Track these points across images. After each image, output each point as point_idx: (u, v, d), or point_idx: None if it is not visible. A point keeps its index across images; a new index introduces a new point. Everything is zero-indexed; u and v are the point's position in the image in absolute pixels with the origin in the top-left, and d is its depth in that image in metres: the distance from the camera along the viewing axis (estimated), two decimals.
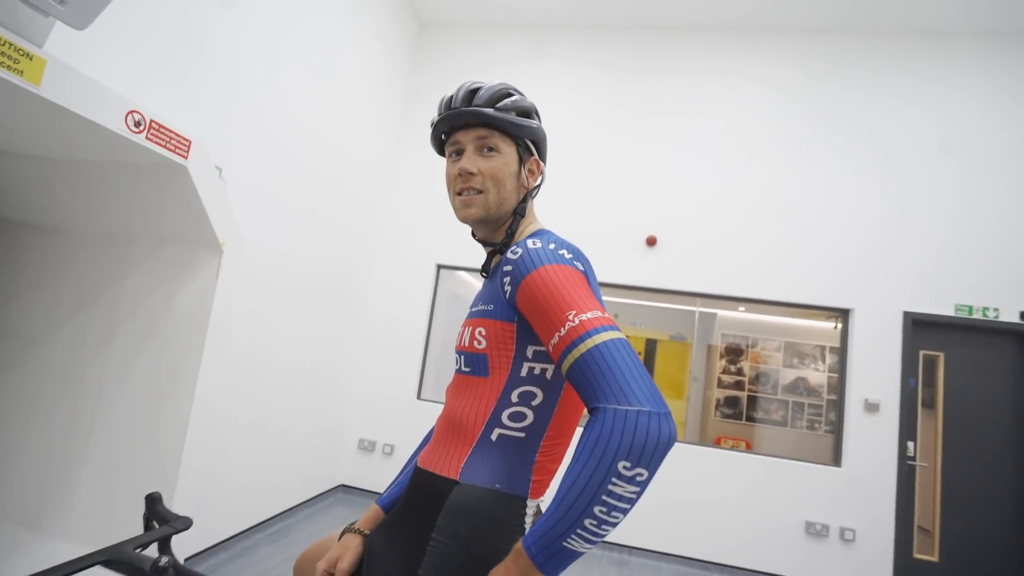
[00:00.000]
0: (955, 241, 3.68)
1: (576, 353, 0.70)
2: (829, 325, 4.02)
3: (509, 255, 0.85)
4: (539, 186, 1.03)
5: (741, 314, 4.43)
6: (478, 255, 4.27)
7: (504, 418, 0.86)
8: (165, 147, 1.82)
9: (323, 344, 3.55)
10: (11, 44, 1.34)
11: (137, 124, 1.70)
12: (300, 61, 2.93)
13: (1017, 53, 3.70)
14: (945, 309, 3.64)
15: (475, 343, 0.90)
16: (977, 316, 3.60)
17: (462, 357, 0.94)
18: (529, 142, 0.99)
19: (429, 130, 1.04)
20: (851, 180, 3.86)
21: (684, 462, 3.71)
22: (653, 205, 4.04)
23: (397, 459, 4.03)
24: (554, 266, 0.79)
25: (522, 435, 0.86)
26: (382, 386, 4.14)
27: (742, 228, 3.93)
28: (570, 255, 0.84)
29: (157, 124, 1.77)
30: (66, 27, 1.38)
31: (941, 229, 3.70)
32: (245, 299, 2.61)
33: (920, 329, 3.73)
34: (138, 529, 1.93)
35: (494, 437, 0.86)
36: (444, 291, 4.37)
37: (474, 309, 0.95)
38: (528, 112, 0.98)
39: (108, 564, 0.80)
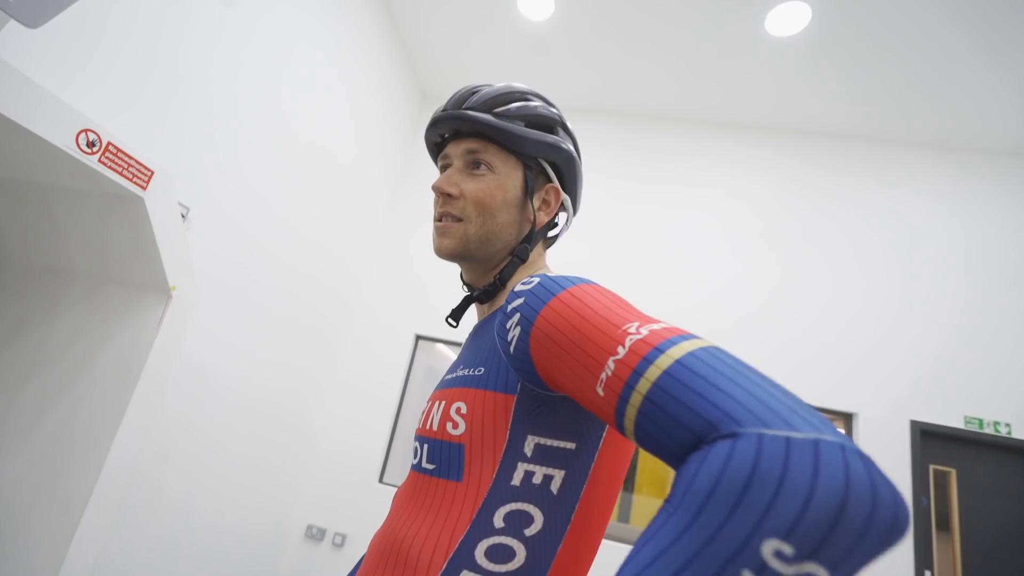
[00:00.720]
0: (962, 350, 3.54)
1: (656, 371, 0.39)
2: None
3: (511, 296, 0.58)
4: (558, 227, 0.77)
5: None
6: (461, 330, 3.99)
7: (479, 555, 0.54)
8: (121, 174, 1.62)
9: (278, 408, 3.18)
10: None
11: (91, 144, 1.51)
12: (291, 113, 2.84)
13: None
14: (955, 421, 3.43)
15: (447, 426, 0.60)
16: (988, 431, 3.38)
17: (425, 446, 0.64)
18: (546, 164, 0.73)
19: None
20: (860, 279, 3.78)
21: None
22: (653, 289, 3.89)
23: (347, 553, 3.52)
24: (583, 286, 0.53)
25: None
26: (341, 464, 3.71)
27: (747, 316, 3.77)
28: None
29: (115, 147, 1.58)
30: (17, 25, 1.21)
31: (947, 336, 3.58)
32: (192, 354, 2.30)
33: (929, 441, 3.48)
34: None
35: None
36: (421, 364, 4.07)
37: (450, 376, 0.67)
38: (546, 124, 0.72)
39: None
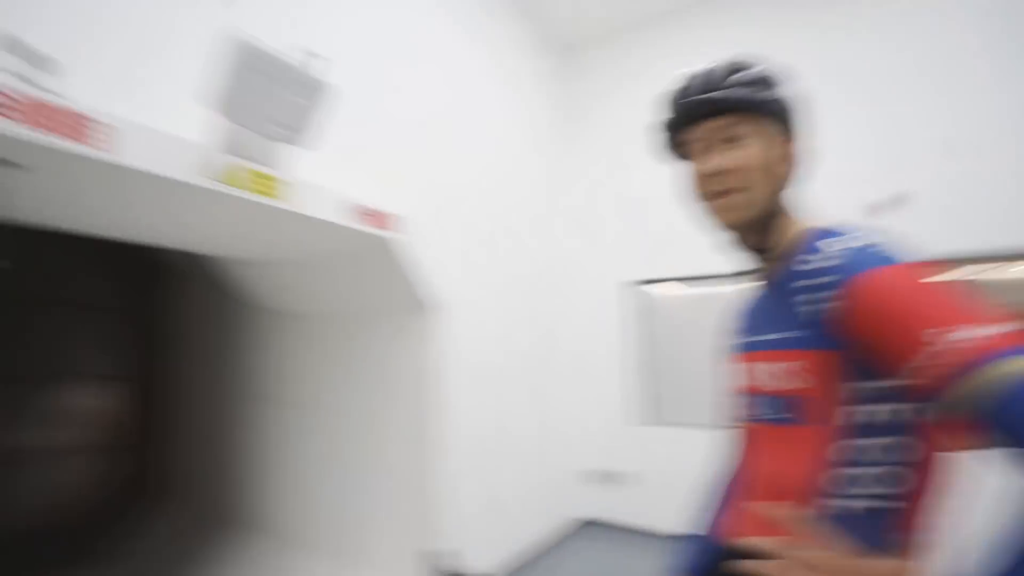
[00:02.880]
0: None
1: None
2: None
3: (812, 260, 0.69)
4: (801, 169, 0.82)
5: None
6: (667, 268, 3.96)
7: (842, 483, 0.67)
8: (371, 224, 2.11)
9: (534, 376, 3.65)
10: (258, 173, 1.71)
11: (352, 212, 2.01)
12: (456, 110, 3.13)
13: None
14: None
15: (782, 381, 0.73)
16: None
17: (758, 401, 0.78)
18: (779, 118, 0.79)
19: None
20: None
21: None
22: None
23: (643, 487, 3.87)
24: (900, 266, 0.63)
25: (877, 505, 0.67)
26: (603, 410, 4.08)
27: None
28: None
29: (364, 209, 2.06)
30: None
31: None
32: (460, 351, 2.81)
33: None
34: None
35: (835, 511, 0.67)
36: (632, 308, 4.19)
37: (759, 339, 0.79)
38: (766, 81, 0.78)
39: None
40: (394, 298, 2.44)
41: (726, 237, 0.84)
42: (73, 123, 1.32)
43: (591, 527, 4.00)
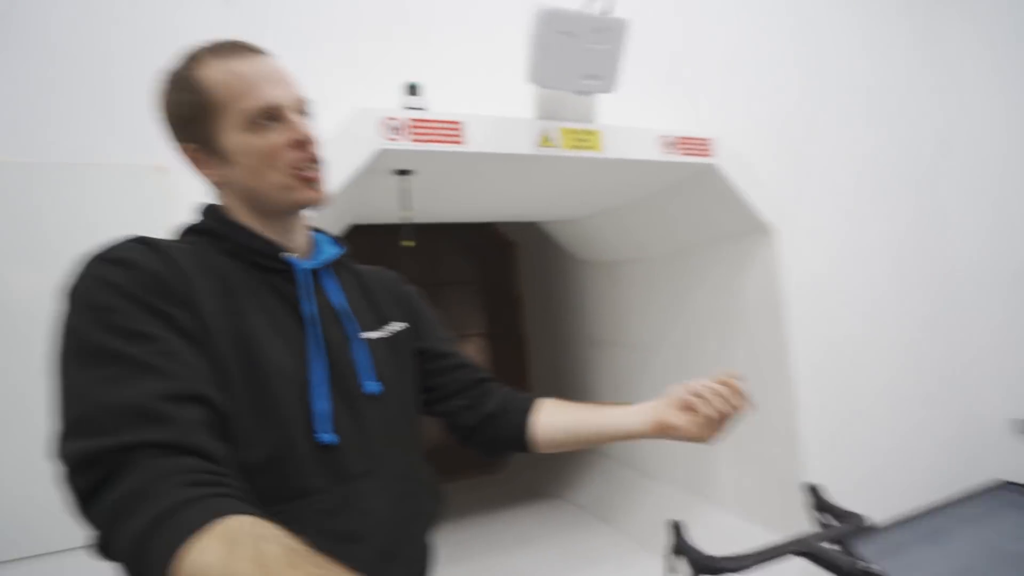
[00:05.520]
0: None
1: None
2: None
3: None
4: None
5: None
6: None
7: None
8: (691, 154, 1.95)
9: (923, 306, 2.87)
10: (579, 130, 1.76)
11: (667, 145, 1.90)
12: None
13: None
14: None
15: None
16: None
17: None
18: None
19: None
20: None
21: None
22: None
23: None
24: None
25: None
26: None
27: None
28: None
29: (680, 138, 1.92)
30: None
31: None
32: (815, 279, 2.40)
33: None
34: (789, 514, 1.99)
35: None
36: None
37: None
38: None
39: (803, 555, 0.77)
40: (725, 225, 2.24)
41: None
42: (438, 129, 1.59)
43: (1007, 489, 3.01)
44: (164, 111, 0.67)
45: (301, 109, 0.68)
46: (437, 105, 1.66)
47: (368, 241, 2.64)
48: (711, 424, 0.70)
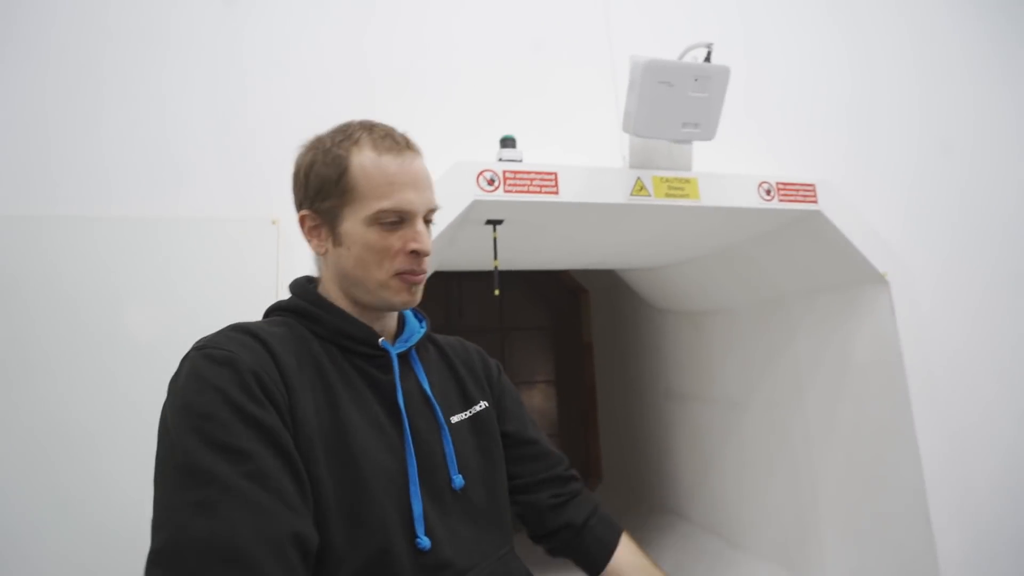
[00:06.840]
0: None
1: None
2: None
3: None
4: None
5: None
6: None
7: None
8: (793, 200, 1.84)
9: None
10: (672, 179, 1.71)
11: (767, 192, 1.81)
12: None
13: None
14: None
15: None
16: None
17: None
18: None
19: None
20: None
21: None
22: None
23: None
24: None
25: None
26: None
27: None
28: None
29: (781, 184, 1.83)
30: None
31: None
32: (938, 331, 2.17)
33: None
34: None
35: None
36: None
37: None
38: None
39: None
40: (829, 275, 2.09)
41: None
42: (530, 180, 1.59)
43: None
44: (301, 174, 0.67)
45: (428, 217, 0.68)
46: (529, 156, 1.66)
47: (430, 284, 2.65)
48: None
